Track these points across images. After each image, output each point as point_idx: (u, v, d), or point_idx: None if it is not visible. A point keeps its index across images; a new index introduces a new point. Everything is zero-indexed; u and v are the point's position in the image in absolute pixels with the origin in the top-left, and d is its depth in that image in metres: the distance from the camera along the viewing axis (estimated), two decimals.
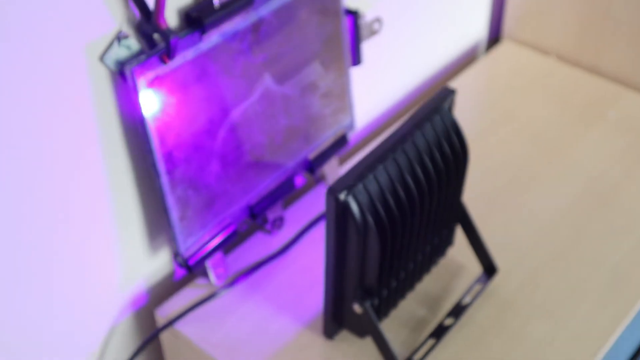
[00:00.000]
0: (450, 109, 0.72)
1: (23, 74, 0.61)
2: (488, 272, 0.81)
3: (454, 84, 1.08)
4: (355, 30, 0.86)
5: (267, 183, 0.83)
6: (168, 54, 0.66)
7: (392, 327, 0.77)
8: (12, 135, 0.62)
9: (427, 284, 0.81)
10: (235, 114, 0.76)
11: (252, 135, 0.79)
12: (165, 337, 0.80)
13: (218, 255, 0.81)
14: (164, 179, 0.72)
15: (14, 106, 0.61)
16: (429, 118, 0.70)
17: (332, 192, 0.63)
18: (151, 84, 0.67)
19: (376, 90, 1.00)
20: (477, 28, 1.15)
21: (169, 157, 0.71)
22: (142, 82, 0.66)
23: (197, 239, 0.78)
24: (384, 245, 0.67)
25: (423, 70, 1.07)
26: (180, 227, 0.75)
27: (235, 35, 0.73)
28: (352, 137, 0.99)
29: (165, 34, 0.65)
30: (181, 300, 0.81)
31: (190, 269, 0.78)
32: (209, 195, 0.77)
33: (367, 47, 0.94)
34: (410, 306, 0.79)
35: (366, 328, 0.73)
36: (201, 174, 0.75)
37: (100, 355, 0.81)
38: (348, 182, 0.64)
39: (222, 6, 0.70)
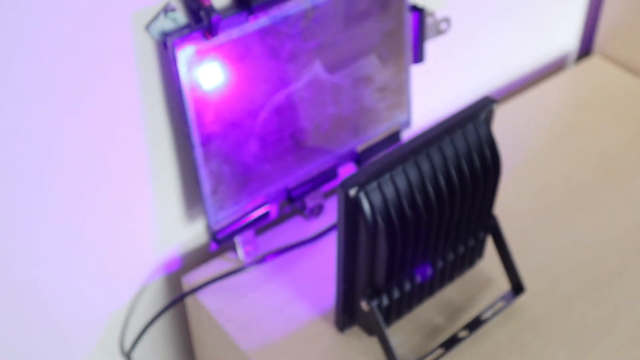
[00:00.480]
0: (487, 119, 0.70)
1: (70, 38, 0.64)
2: (515, 290, 0.79)
3: (531, 93, 1.05)
4: (419, 27, 0.85)
5: (308, 169, 0.84)
6: (210, 30, 0.68)
7: (406, 330, 0.77)
8: (59, 96, 0.66)
9: (451, 292, 0.80)
10: (279, 96, 0.77)
11: (296, 120, 0.80)
12: (189, 303, 0.83)
13: (249, 232, 0.82)
14: (198, 151, 0.74)
15: (61, 68, 0.65)
16: (462, 125, 0.69)
17: (344, 186, 0.63)
18: (192, 57, 0.69)
19: (440, 91, 0.99)
20: (565, 39, 1.11)
21: (204, 131, 0.73)
22: (182, 55, 0.68)
23: (229, 214, 0.79)
24: (393, 248, 0.67)
25: (497, 76, 1.05)
26: (212, 200, 0.77)
27: (285, 20, 0.73)
28: (407, 135, 0.98)
29: (208, 11, 0.67)
30: (209, 270, 0.83)
31: (218, 242, 0.80)
32: (244, 173, 0.79)
33: (435, 46, 0.93)
34: (428, 312, 0.78)
35: (372, 327, 0.73)
36: (238, 151, 0.77)
37: (129, 311, 0.84)
38: (362, 178, 0.64)
39: None
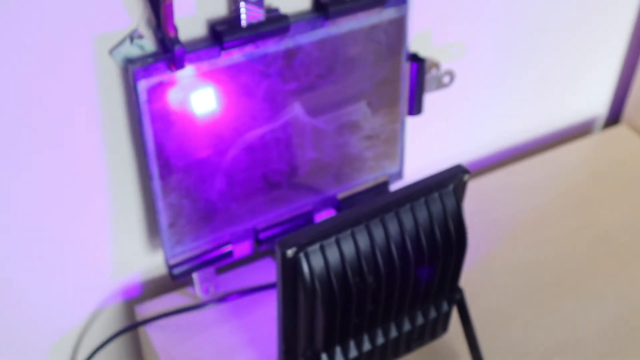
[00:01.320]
0: (457, 190, 0.65)
1: (28, 57, 0.62)
2: None
3: (546, 156, 0.99)
4: (417, 79, 0.81)
5: (281, 211, 0.80)
6: (174, 62, 0.65)
7: None
8: (14, 117, 0.64)
9: None
10: (252, 135, 0.74)
11: (270, 161, 0.76)
12: (140, 333, 0.80)
13: (209, 270, 0.79)
14: (156, 183, 0.71)
15: (17, 87, 0.63)
16: (427, 194, 0.64)
17: (281, 245, 0.59)
18: (154, 88, 0.66)
19: (441, 145, 0.94)
20: (591, 104, 1.04)
21: (164, 163, 0.70)
22: (142, 84, 0.65)
23: (187, 249, 0.76)
24: (333, 314, 0.62)
25: (513, 133, 0.99)
26: (169, 233, 0.74)
27: (262, 58, 0.70)
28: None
29: (172, 41, 0.64)
30: (164, 302, 0.80)
31: (173, 276, 0.77)
32: (207, 209, 0.75)
33: (441, 98, 0.88)
34: None
35: None
36: (201, 187, 0.74)
37: (81, 332, 0.82)
38: (303, 239, 0.60)
39: (250, 27, 0.67)
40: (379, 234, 0.62)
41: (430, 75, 0.82)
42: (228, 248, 0.79)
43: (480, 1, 0.82)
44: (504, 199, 0.92)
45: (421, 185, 0.64)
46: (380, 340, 0.69)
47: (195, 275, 0.79)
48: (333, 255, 0.61)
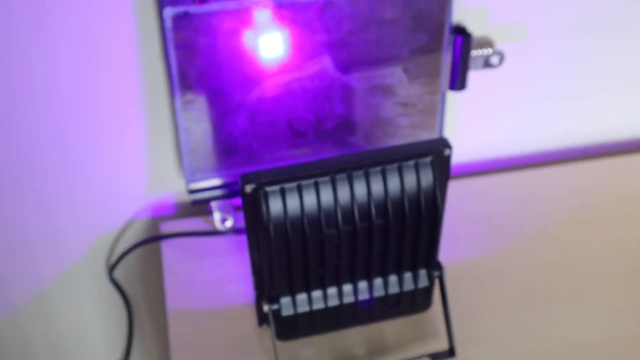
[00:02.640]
0: (436, 163, 0.65)
1: None
2: (450, 352, 0.73)
3: (596, 164, 0.93)
4: (461, 53, 0.79)
5: (305, 160, 0.83)
6: None
7: (321, 347, 0.74)
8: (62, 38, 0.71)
9: (387, 329, 0.75)
10: (278, 80, 0.77)
11: (295, 109, 0.79)
12: (163, 246, 0.86)
13: (227, 202, 0.83)
14: (179, 109, 0.76)
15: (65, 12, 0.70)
16: (402, 160, 0.64)
17: (242, 179, 0.62)
18: (179, 17, 0.70)
19: (492, 131, 0.91)
20: None
21: (187, 90, 0.75)
22: (168, 12, 0.70)
23: (206, 177, 0.81)
24: (288, 259, 0.65)
25: (571, 133, 0.94)
26: (189, 158, 0.79)
27: (292, 5, 0.72)
28: None
29: None
30: (185, 224, 0.86)
31: (192, 201, 0.82)
32: (229, 143, 0.79)
33: (497, 78, 0.86)
34: (353, 340, 0.75)
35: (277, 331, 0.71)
36: (224, 120, 0.78)
37: (115, 239, 0.89)
38: (264, 177, 0.62)
39: None
40: (343, 189, 0.63)
41: (477, 52, 0.80)
42: None
43: None
44: (540, 195, 0.89)
45: (398, 151, 0.64)
46: (348, 298, 0.70)
47: (213, 205, 0.83)
48: (293, 200, 0.63)
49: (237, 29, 0.72)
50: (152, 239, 0.84)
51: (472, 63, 0.81)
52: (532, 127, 0.91)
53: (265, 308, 0.69)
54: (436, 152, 0.64)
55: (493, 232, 0.84)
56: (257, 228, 0.65)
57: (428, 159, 0.64)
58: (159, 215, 0.89)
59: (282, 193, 0.63)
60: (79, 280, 0.92)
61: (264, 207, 0.63)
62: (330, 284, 0.70)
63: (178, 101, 0.75)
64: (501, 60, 0.81)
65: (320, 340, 0.74)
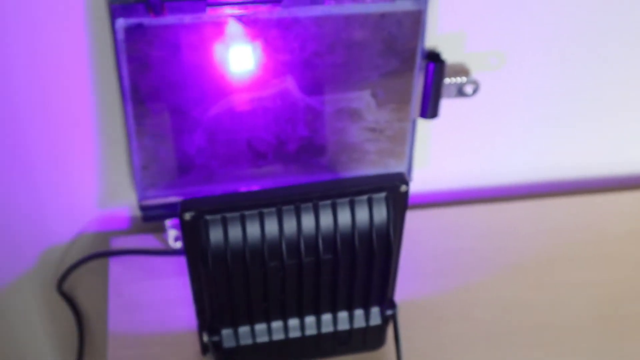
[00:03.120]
0: (392, 199, 0.61)
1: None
2: None
3: (573, 200, 0.89)
4: (433, 81, 0.76)
5: (267, 184, 0.79)
6: (152, 8, 0.66)
7: None
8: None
9: None
10: (237, 98, 0.73)
11: (255, 128, 0.75)
12: (111, 263, 0.83)
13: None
14: (131, 123, 0.72)
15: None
16: (354, 194, 0.60)
17: (182, 206, 0.59)
18: (132, 29, 0.67)
19: (466, 161, 0.87)
20: None
21: (140, 105, 0.71)
22: (121, 23, 0.66)
23: (159, 195, 0.77)
24: (227, 291, 0.61)
25: (541, 169, 0.90)
26: (141, 174, 0.76)
27: (253, 22, 0.69)
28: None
29: None
30: (137, 240, 0.82)
31: (143, 218, 0.78)
32: (184, 161, 0.76)
33: (475, 110, 0.82)
34: None
35: None
36: (179, 137, 0.74)
37: (65, 250, 0.86)
38: (205, 205, 0.59)
39: None
40: (289, 222, 0.60)
41: (450, 80, 0.76)
42: None
43: (527, 7, 0.75)
44: (516, 231, 0.85)
45: (351, 184, 0.60)
46: (295, 333, 0.67)
47: (167, 223, 0.80)
48: (234, 231, 0.59)
49: (194, 44, 0.69)
50: (99, 254, 0.81)
51: (444, 91, 0.77)
52: (507, 159, 0.88)
53: (205, 339, 0.66)
54: (392, 188, 0.60)
55: (460, 267, 0.81)
56: (196, 257, 0.61)
57: (382, 195, 0.61)
58: (112, 229, 0.85)
59: (224, 222, 0.59)
60: (27, 291, 0.89)
61: (203, 236, 0.59)
62: (276, 318, 0.66)
63: (130, 115, 0.72)
64: (475, 89, 0.77)
65: None
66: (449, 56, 0.77)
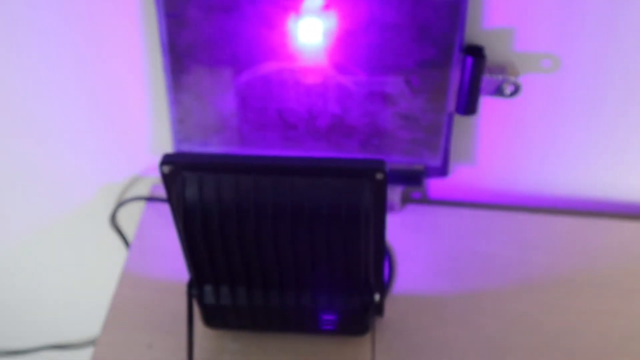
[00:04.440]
0: (367, 186, 0.60)
1: None
2: None
3: (611, 224, 0.83)
4: (471, 76, 0.73)
5: (292, 154, 0.80)
6: None
7: (247, 345, 0.73)
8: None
9: (317, 349, 0.72)
10: (269, 67, 0.74)
11: (286, 99, 0.76)
12: (146, 207, 0.87)
13: None
14: (168, 77, 0.76)
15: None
16: (332, 175, 0.60)
17: (163, 158, 0.61)
18: None
19: (512, 164, 0.83)
20: None
21: (176, 60, 0.74)
22: None
23: (193, 148, 0.80)
24: (204, 247, 0.63)
25: (585, 186, 0.84)
26: (177, 128, 0.79)
27: None
28: (439, 186, 0.86)
29: None
30: None
31: None
32: (217, 121, 0.78)
33: (525, 113, 0.78)
34: (278, 346, 0.73)
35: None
36: (213, 97, 0.77)
37: (122, 190, 0.92)
38: (184, 161, 0.61)
39: None
40: (264, 193, 0.60)
41: (489, 77, 0.73)
42: None
43: (586, 9, 0.70)
44: (542, 244, 0.81)
45: (329, 165, 0.60)
46: (275, 301, 0.68)
47: None
48: (209, 191, 0.61)
49: (228, 7, 0.70)
50: (137, 198, 0.85)
51: (483, 88, 0.74)
52: (552, 169, 0.83)
53: (187, 290, 0.68)
54: (368, 174, 0.59)
55: (474, 271, 0.78)
56: (175, 210, 0.63)
57: (358, 180, 0.60)
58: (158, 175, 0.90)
59: (200, 180, 0.61)
60: (84, 222, 0.95)
61: (179, 191, 0.61)
62: (257, 285, 0.67)
63: (167, 69, 0.75)
64: (515, 90, 0.74)
65: (247, 337, 0.72)
66: (496, 53, 0.74)
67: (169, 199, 0.63)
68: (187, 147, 0.80)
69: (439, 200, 0.88)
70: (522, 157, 0.82)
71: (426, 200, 0.88)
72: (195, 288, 0.68)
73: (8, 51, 0.78)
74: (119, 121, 0.85)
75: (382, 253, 0.66)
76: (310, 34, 0.71)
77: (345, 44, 0.72)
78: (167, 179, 0.62)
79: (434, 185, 0.87)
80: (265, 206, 0.61)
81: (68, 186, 0.92)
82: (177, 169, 0.61)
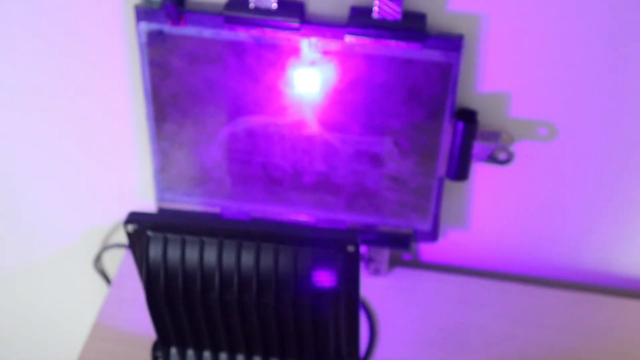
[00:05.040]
0: (338, 258, 0.57)
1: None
2: None
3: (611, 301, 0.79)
4: (462, 140, 0.70)
5: (281, 210, 0.78)
6: (171, 17, 0.66)
7: None
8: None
9: None
10: (254, 120, 0.72)
11: (271, 154, 0.74)
12: (126, 254, 0.85)
13: None
14: (151, 125, 0.74)
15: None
16: (298, 244, 0.57)
17: (128, 216, 0.59)
18: (155, 35, 0.68)
19: (499, 230, 0.80)
20: None
21: (159, 109, 0.72)
22: (143, 27, 0.68)
23: (176, 200, 0.78)
24: (168, 309, 0.61)
25: (582, 259, 0.80)
26: (160, 177, 0.77)
27: (272, 48, 0.67)
28: (431, 248, 0.83)
29: None
30: None
31: None
32: (200, 172, 0.76)
33: (518, 180, 0.75)
34: None
35: None
36: (196, 148, 0.75)
37: (107, 234, 0.90)
38: (149, 220, 0.58)
39: (258, 11, 0.65)
40: (229, 258, 0.58)
41: (481, 143, 0.70)
42: (218, 217, 0.78)
43: (586, 77, 0.67)
44: (534, 318, 0.77)
45: (299, 233, 0.57)
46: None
47: None
48: (173, 252, 0.58)
49: (212, 58, 0.68)
50: (117, 245, 0.83)
51: (475, 154, 0.71)
52: (547, 239, 0.79)
53: (153, 352, 0.66)
54: (338, 246, 0.57)
55: (463, 342, 0.74)
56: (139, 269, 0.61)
57: (328, 251, 0.57)
58: None
59: (164, 242, 0.58)
60: (68, 264, 0.93)
61: (143, 251, 0.59)
62: (223, 350, 0.64)
63: (150, 117, 0.73)
64: (509, 158, 0.71)
65: None
66: (491, 118, 0.71)
67: (135, 258, 0.61)
68: (171, 197, 0.78)
69: (429, 264, 0.84)
70: (515, 224, 0.79)
71: (416, 263, 0.85)
72: (160, 350, 0.65)
73: None
74: (105, 167, 0.83)
75: (355, 325, 0.63)
76: (307, 84, 0.69)
77: (332, 100, 0.69)
78: (131, 238, 0.59)
79: (425, 248, 0.84)
80: (230, 272, 0.58)
81: (53, 227, 0.90)
82: (142, 228, 0.58)
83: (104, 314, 0.77)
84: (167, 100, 0.72)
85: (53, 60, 0.74)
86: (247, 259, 0.58)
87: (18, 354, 1.09)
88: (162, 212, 0.58)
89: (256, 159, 0.74)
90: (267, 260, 0.58)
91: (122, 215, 0.87)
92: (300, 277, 0.57)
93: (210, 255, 0.58)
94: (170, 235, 0.58)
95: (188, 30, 0.67)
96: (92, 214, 0.88)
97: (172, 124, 0.73)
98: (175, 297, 0.60)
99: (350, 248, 0.57)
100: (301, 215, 0.77)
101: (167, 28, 0.67)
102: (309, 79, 0.68)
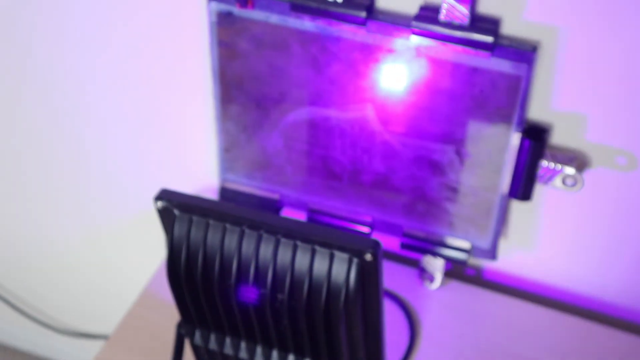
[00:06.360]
0: (356, 264, 0.55)
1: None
2: None
3: None
4: (527, 159, 0.66)
5: (337, 205, 0.76)
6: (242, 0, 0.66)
7: None
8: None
9: None
10: (314, 112, 0.71)
11: (331, 148, 0.72)
12: None
13: None
14: (217, 104, 0.74)
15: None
16: (319, 245, 0.56)
17: (159, 193, 0.59)
18: (224, 15, 0.68)
19: (566, 257, 0.74)
20: None
21: (225, 89, 0.73)
22: (213, 6, 0.68)
23: (239, 181, 0.78)
24: (191, 290, 0.61)
25: None
26: (223, 157, 0.77)
27: (335, 40, 0.66)
28: (491, 268, 0.78)
29: None
30: None
31: (221, 197, 0.80)
32: (261, 157, 0.76)
33: (592, 203, 0.70)
34: None
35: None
36: (259, 133, 0.74)
37: None
38: (179, 200, 0.58)
39: (324, 1, 0.64)
40: (248, 249, 0.57)
41: (548, 164, 0.66)
42: (276, 204, 0.78)
43: None
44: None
45: (318, 234, 0.55)
46: (258, 358, 0.64)
47: None
48: (196, 233, 0.58)
49: (278, 45, 0.68)
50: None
51: (540, 176, 0.66)
52: (614, 273, 0.73)
53: (180, 330, 0.66)
54: (356, 252, 0.54)
55: None
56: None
57: (345, 255, 0.55)
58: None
59: (189, 222, 0.58)
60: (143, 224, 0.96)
61: (169, 228, 0.59)
62: (245, 338, 0.64)
63: (216, 97, 0.73)
64: (575, 184, 0.65)
65: None
66: (566, 138, 0.66)
67: (165, 234, 0.61)
68: (233, 178, 0.78)
69: (491, 282, 0.80)
70: (582, 254, 0.73)
71: (477, 280, 0.81)
72: (184, 327, 0.66)
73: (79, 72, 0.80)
74: (177, 142, 0.84)
75: (378, 338, 0.60)
76: (370, 81, 0.67)
77: (395, 101, 0.67)
78: (161, 214, 0.60)
79: (489, 265, 0.79)
80: (247, 263, 0.57)
81: (128, 193, 0.93)
82: (170, 206, 0.59)
83: (154, 283, 0.78)
84: (233, 81, 0.71)
85: (130, 36, 0.75)
86: (266, 251, 0.57)
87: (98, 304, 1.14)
88: (190, 195, 0.58)
89: (316, 151, 0.73)
90: (284, 256, 0.56)
91: (193, 189, 0.88)
92: (314, 278, 0.56)
93: (231, 242, 0.57)
94: (195, 217, 0.58)
95: (256, 14, 0.67)
96: (163, 185, 0.90)
97: (237, 106, 0.73)
98: (194, 278, 0.60)
99: (368, 256, 0.54)
100: (358, 213, 0.75)
101: (236, 10, 0.67)
102: (373, 76, 0.66)
